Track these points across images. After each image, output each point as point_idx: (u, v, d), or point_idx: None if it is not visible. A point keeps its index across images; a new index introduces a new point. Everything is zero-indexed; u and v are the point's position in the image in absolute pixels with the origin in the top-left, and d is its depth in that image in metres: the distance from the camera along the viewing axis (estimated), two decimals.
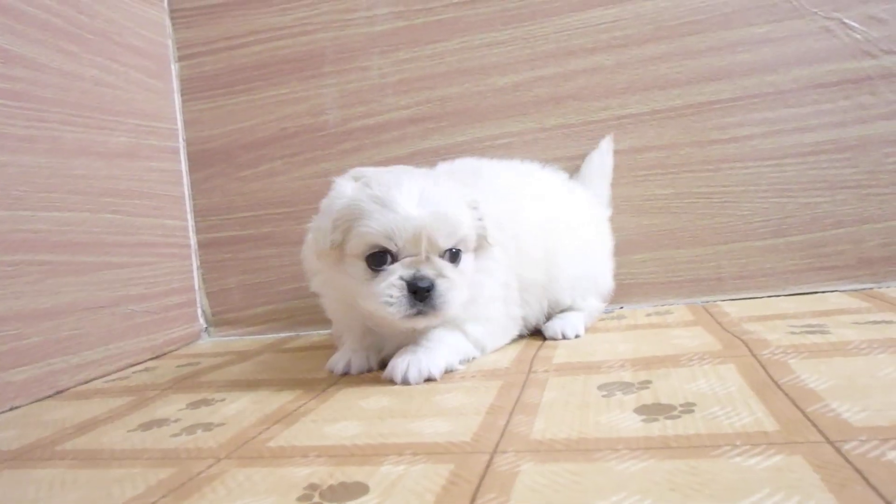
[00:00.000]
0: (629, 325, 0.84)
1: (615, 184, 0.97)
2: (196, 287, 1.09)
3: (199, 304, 1.10)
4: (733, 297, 0.95)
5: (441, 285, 0.64)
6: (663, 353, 0.66)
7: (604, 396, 0.55)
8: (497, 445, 0.47)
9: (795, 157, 0.93)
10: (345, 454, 0.48)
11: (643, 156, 0.97)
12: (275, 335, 1.08)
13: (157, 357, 0.96)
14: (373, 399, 0.62)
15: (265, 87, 1.09)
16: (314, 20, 1.07)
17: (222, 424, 0.59)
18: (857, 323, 0.70)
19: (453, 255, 0.67)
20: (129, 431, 0.60)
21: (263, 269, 1.09)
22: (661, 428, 0.47)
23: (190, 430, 0.58)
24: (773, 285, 0.94)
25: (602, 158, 0.94)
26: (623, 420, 0.49)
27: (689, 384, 0.56)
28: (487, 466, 0.43)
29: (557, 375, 0.63)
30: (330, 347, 0.86)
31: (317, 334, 1.06)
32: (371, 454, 0.48)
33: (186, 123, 1.11)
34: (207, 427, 0.58)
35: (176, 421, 0.61)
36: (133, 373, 0.87)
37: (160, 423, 0.61)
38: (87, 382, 0.83)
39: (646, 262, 0.97)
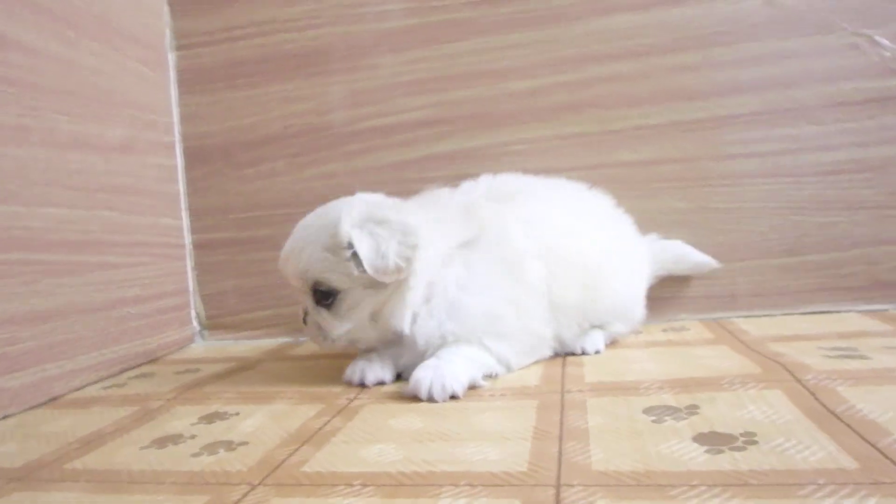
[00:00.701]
0: (648, 342, 0.83)
1: (631, 196, 0.95)
2: (190, 289, 1.05)
3: (192, 307, 1.05)
4: (747, 314, 0.94)
5: (312, 320, 0.71)
6: (699, 375, 0.65)
7: (653, 422, 0.53)
8: (559, 477, 0.44)
9: (815, 176, 0.92)
10: (393, 483, 0.45)
11: (661, 168, 0.95)
12: (271, 340, 1.04)
13: (151, 361, 0.92)
14: (403, 418, 0.59)
15: (268, 83, 1.05)
16: (322, 14, 1.03)
17: (245, 444, 0.55)
18: (888, 347, 0.70)
19: (323, 294, 0.69)
20: (142, 449, 0.56)
21: (262, 272, 1.05)
22: (731, 461, 0.45)
23: (210, 449, 0.54)
24: (786, 304, 0.94)
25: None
26: (685, 451, 0.47)
27: (739, 411, 0.54)
28: (557, 502, 0.41)
29: (595, 397, 0.61)
30: (333, 357, 0.83)
31: None
32: (422, 484, 0.45)
33: (183, 117, 1.07)
34: (229, 446, 0.55)
35: (192, 437, 0.58)
36: (128, 379, 0.83)
37: (175, 439, 0.58)
38: (81, 388, 0.79)
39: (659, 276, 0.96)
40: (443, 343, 0.69)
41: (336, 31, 1.03)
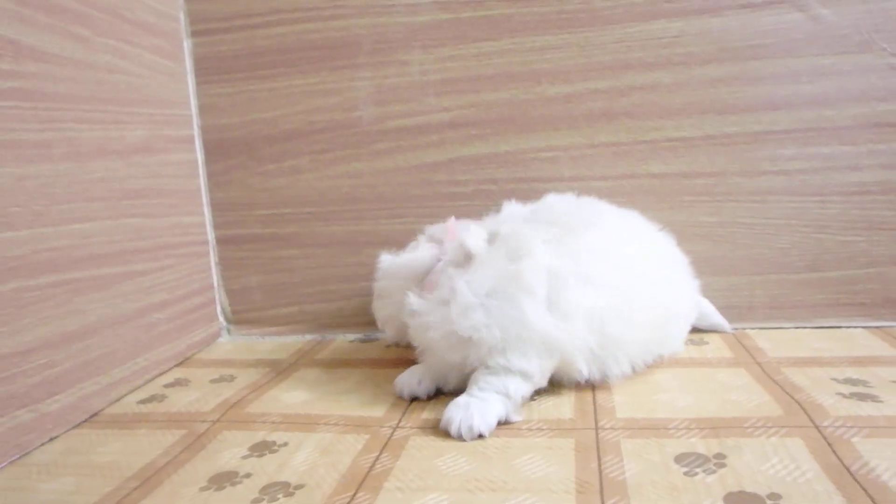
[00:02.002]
0: (673, 361, 0.88)
1: (660, 208, 0.99)
2: (215, 284, 1.08)
3: (218, 303, 1.09)
4: (762, 325, 1.00)
5: None
6: (724, 415, 0.70)
7: (686, 474, 0.59)
8: None
9: (841, 196, 0.96)
10: None
11: (692, 181, 0.99)
12: (298, 337, 1.09)
13: (181, 364, 0.96)
14: (449, 458, 0.64)
15: (291, 75, 1.05)
16: (349, 3, 1.03)
17: (301, 487, 0.60)
18: None
19: None
20: (201, 490, 0.61)
21: (287, 269, 1.08)
22: None
23: (269, 493, 0.59)
24: (801, 317, 0.99)
25: None
26: None
27: (763, 464, 0.60)
28: None
29: (629, 437, 0.67)
30: (362, 365, 0.90)
31: (342, 338, 1.07)
32: None
33: (202, 109, 1.07)
34: (286, 490, 0.60)
35: (247, 476, 0.63)
36: (164, 387, 0.87)
37: (230, 477, 0.63)
38: (118, 401, 0.83)
39: None
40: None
41: (363, 23, 1.03)
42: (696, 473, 0.59)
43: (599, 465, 0.62)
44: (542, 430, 0.70)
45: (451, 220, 0.83)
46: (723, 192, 0.98)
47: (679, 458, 0.62)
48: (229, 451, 0.68)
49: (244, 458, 0.66)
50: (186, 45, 1.06)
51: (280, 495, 0.59)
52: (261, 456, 0.67)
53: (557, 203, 0.86)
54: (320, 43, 1.04)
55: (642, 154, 0.99)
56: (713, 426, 0.68)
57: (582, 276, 0.75)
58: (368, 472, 0.62)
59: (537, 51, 0.99)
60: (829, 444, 0.62)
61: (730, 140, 0.97)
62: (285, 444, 0.69)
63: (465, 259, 0.76)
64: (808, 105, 0.95)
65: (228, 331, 1.11)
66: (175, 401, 0.83)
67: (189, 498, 0.59)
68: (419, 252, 0.82)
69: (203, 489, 0.61)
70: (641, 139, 0.99)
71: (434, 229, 0.85)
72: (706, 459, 0.61)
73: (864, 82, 0.93)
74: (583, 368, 0.76)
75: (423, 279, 0.79)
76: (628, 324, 0.77)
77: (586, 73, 0.99)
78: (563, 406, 0.76)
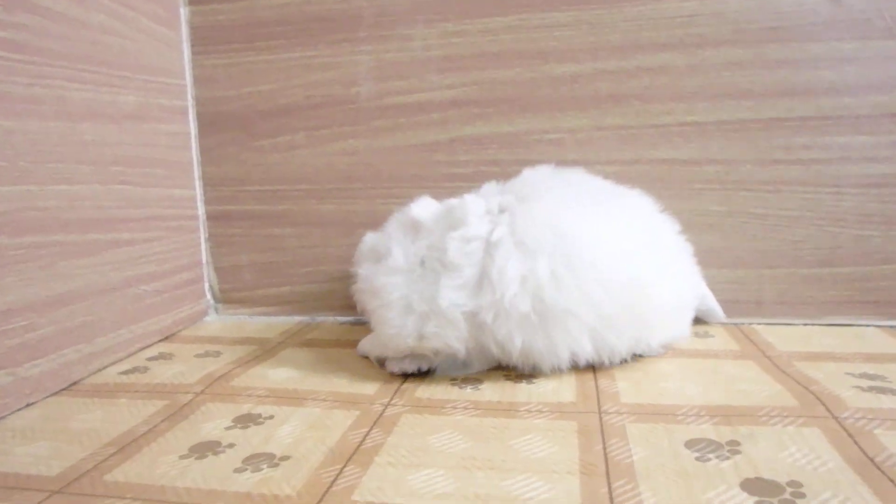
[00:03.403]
0: (675, 351, 0.85)
1: (668, 195, 0.96)
2: (204, 262, 1.05)
3: (206, 280, 1.06)
4: (770, 321, 0.97)
5: None
6: (735, 403, 0.67)
7: (698, 460, 0.56)
8: None
9: (857, 188, 0.94)
10: None
11: (702, 168, 0.96)
12: (287, 318, 1.06)
13: (166, 339, 0.94)
14: (444, 436, 0.61)
15: (289, 47, 1.03)
16: None
17: (286, 458, 0.57)
18: None
19: None
20: (181, 458, 0.58)
21: (279, 248, 1.06)
22: None
23: (253, 463, 0.56)
24: (811, 314, 0.97)
25: None
26: (735, 501, 0.50)
27: (781, 452, 0.57)
28: None
29: (635, 422, 0.64)
30: (353, 345, 0.87)
31: (333, 321, 1.04)
32: None
33: (196, 80, 1.05)
34: (271, 461, 0.57)
35: (231, 447, 0.60)
36: (148, 361, 0.85)
37: (213, 447, 0.60)
38: (99, 371, 0.80)
39: None
40: None
41: None
42: (709, 459, 0.56)
43: (604, 447, 0.59)
44: (543, 412, 0.67)
45: (424, 197, 0.82)
46: (734, 180, 0.96)
47: (690, 444, 0.59)
48: (212, 422, 0.65)
49: (228, 429, 0.63)
50: (183, 12, 1.03)
51: (264, 466, 0.56)
52: (245, 428, 0.64)
53: (530, 175, 0.84)
54: (320, 15, 1.02)
55: (651, 138, 0.96)
56: (724, 414, 0.65)
57: (517, 244, 0.73)
58: (358, 446, 0.59)
59: (545, 28, 0.97)
60: (851, 436, 0.59)
61: (743, 126, 0.94)
62: (271, 418, 0.66)
63: (413, 228, 0.76)
64: (826, 92, 0.92)
65: (216, 309, 1.08)
66: (158, 373, 0.80)
67: (168, 465, 0.56)
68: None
69: (183, 457, 0.58)
70: (651, 123, 0.96)
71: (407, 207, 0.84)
72: (719, 446, 0.58)
73: (886, 70, 0.91)
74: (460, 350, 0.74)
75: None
76: (575, 293, 0.72)
77: (595, 52, 0.96)
78: (563, 390, 0.73)
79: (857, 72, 0.91)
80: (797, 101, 0.93)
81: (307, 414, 0.67)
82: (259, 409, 0.68)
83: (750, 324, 0.97)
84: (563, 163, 0.96)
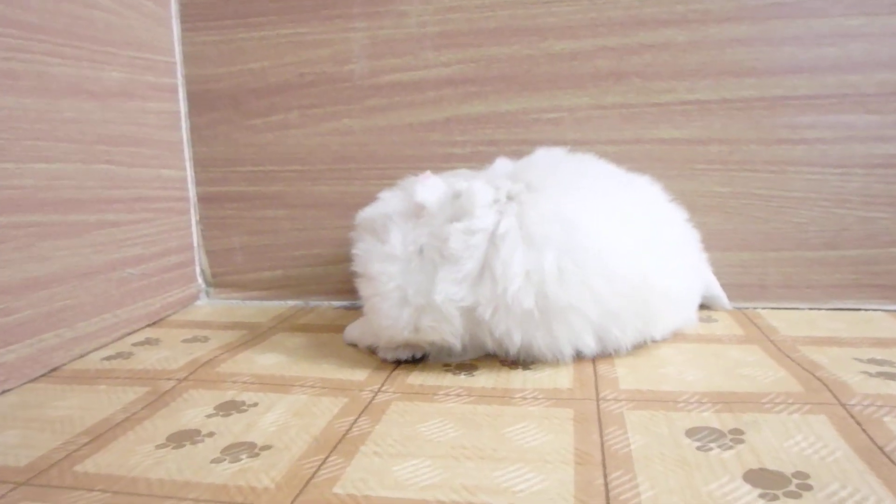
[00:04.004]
0: (677, 336, 0.81)
1: (670, 175, 0.92)
2: (195, 244, 1.02)
3: (197, 263, 1.02)
4: (774, 305, 0.93)
5: None
6: (739, 390, 0.64)
7: (699, 449, 0.53)
8: None
9: (863, 168, 0.90)
10: None
11: (705, 148, 0.92)
12: (280, 302, 1.03)
13: (154, 324, 0.90)
14: (434, 424, 0.58)
15: (281, 24, 0.98)
16: None
17: (267, 448, 0.54)
18: None
19: None
20: (157, 447, 0.54)
21: (272, 231, 1.02)
22: None
23: (231, 453, 0.53)
24: (816, 298, 0.93)
25: None
26: (738, 494, 0.46)
27: (786, 441, 0.53)
28: None
29: (633, 409, 0.60)
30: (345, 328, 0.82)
31: (327, 305, 1.00)
32: None
33: (186, 57, 1.00)
34: (251, 450, 0.53)
35: (210, 435, 0.56)
36: (133, 346, 0.81)
37: (192, 436, 0.56)
38: (82, 357, 0.77)
39: None
40: None
41: None
42: (711, 448, 0.52)
43: (601, 436, 0.55)
44: (538, 399, 0.63)
45: (427, 174, 0.76)
46: (737, 160, 0.92)
47: (691, 433, 0.55)
48: (193, 409, 0.62)
49: (209, 416, 0.60)
50: None
51: (244, 456, 0.52)
52: (227, 415, 0.60)
53: (542, 158, 0.78)
54: None
55: (653, 117, 0.92)
56: (726, 401, 0.61)
57: (524, 237, 0.68)
58: (344, 435, 0.56)
59: (543, 4, 0.92)
60: (859, 423, 0.56)
61: (747, 105, 0.90)
62: (255, 405, 0.62)
63: (416, 211, 0.71)
64: (831, 70, 0.88)
65: (207, 293, 1.05)
66: (142, 358, 0.76)
67: (142, 455, 0.53)
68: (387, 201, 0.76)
69: (159, 447, 0.54)
70: (652, 101, 0.92)
71: (409, 181, 0.78)
72: (721, 434, 0.55)
73: (893, 46, 0.87)
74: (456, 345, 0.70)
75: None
76: (580, 288, 0.68)
77: (595, 28, 0.92)
78: (560, 376, 0.69)
79: (863, 48, 0.87)
80: (802, 79, 0.89)
81: (293, 401, 0.63)
82: (243, 396, 0.64)
83: (754, 308, 0.93)
84: (562, 142, 0.92)
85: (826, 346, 0.76)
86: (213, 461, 0.52)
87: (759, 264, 0.93)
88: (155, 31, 0.94)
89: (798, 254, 0.92)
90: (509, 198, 0.71)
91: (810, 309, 0.92)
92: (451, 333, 0.69)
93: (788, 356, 0.73)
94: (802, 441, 0.53)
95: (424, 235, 0.69)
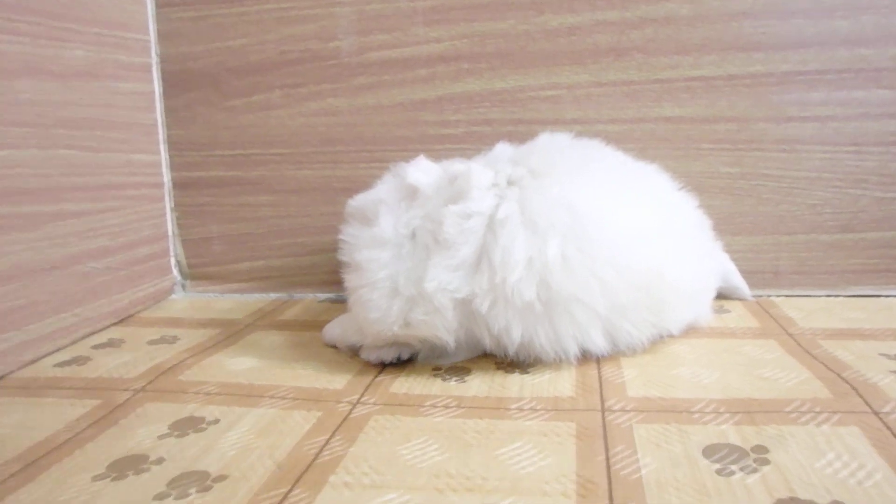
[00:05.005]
0: (690, 329, 0.71)
1: (674, 156, 0.82)
2: (170, 233, 0.91)
3: (172, 254, 0.92)
4: (788, 293, 0.84)
5: None
6: (760, 395, 0.54)
7: (719, 473, 0.43)
8: None
9: (879, 146, 0.80)
10: None
11: (711, 127, 0.82)
12: (262, 295, 0.92)
13: (121, 321, 0.80)
14: (417, 445, 0.48)
15: None
16: None
17: (222, 479, 0.44)
18: None
19: None
20: (94, 479, 0.44)
21: (253, 218, 0.92)
22: None
23: (179, 486, 0.43)
24: (832, 284, 0.83)
25: None
26: None
27: (817, 461, 0.44)
28: None
29: (643, 422, 0.50)
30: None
31: (312, 297, 0.90)
32: None
33: (161, 35, 0.90)
34: (202, 482, 0.43)
35: (158, 462, 0.46)
36: (93, 348, 0.71)
37: (137, 463, 0.46)
38: (34, 363, 0.66)
39: None
40: None
41: None
42: (733, 472, 0.43)
43: (607, 457, 0.45)
44: (536, 410, 0.53)
45: (420, 158, 0.66)
46: (746, 139, 0.82)
47: (709, 451, 0.45)
48: (146, 427, 0.52)
49: (161, 437, 0.50)
50: None
51: (192, 490, 0.42)
52: (182, 436, 0.50)
53: (546, 143, 0.68)
54: None
55: (655, 95, 0.82)
56: (747, 409, 0.51)
57: (526, 222, 0.58)
58: (313, 460, 0.46)
59: None
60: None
61: (754, 81, 0.80)
62: (216, 422, 0.52)
63: (409, 194, 0.62)
64: (843, 43, 0.78)
65: (183, 286, 0.95)
66: (99, 364, 0.66)
67: (77, 488, 0.43)
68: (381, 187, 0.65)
69: (97, 478, 0.44)
70: (655, 78, 0.82)
71: (402, 166, 0.68)
72: (744, 454, 0.45)
73: None
74: (449, 340, 0.60)
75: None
76: (587, 278, 0.58)
77: (594, 2, 0.81)
78: (561, 380, 0.59)
79: (876, 21, 0.77)
80: (812, 53, 0.79)
81: (260, 416, 0.53)
82: (205, 411, 0.54)
83: (767, 296, 0.83)
84: (560, 121, 0.84)
85: (848, 339, 0.67)
86: (155, 497, 0.41)
87: (771, 249, 0.84)
88: (126, 7, 0.83)
89: (812, 237, 0.83)
90: (510, 182, 0.61)
91: (827, 296, 0.83)
92: (444, 328, 0.59)
93: (809, 353, 0.63)
94: (835, 460, 0.44)
95: (418, 218, 0.60)
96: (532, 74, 0.84)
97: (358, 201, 0.65)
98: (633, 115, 0.83)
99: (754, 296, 0.82)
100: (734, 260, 0.82)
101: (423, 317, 0.58)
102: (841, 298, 0.82)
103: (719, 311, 0.78)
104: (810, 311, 0.77)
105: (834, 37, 0.78)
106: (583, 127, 0.82)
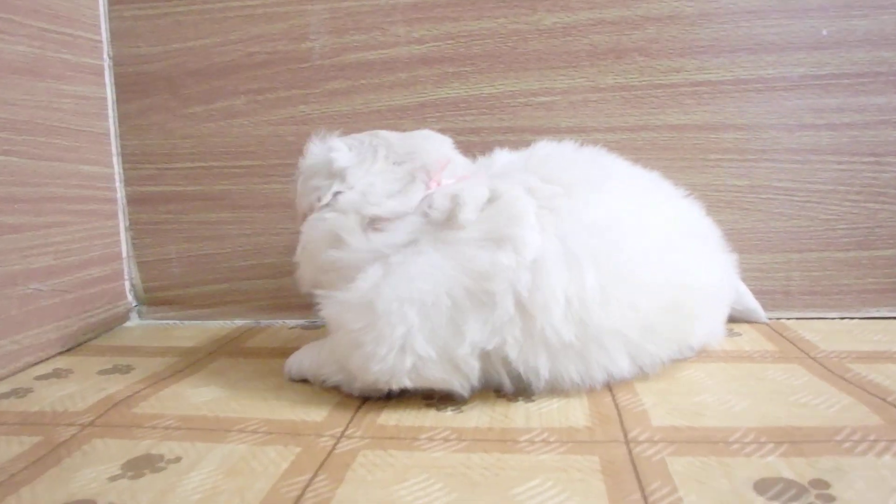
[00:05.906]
0: (702, 354, 0.67)
1: (679, 167, 0.80)
2: (124, 254, 0.87)
3: (127, 277, 0.87)
4: (799, 315, 0.81)
5: None
6: (802, 423, 0.50)
7: None
8: None
9: None
10: None
11: (719, 136, 0.80)
12: (226, 322, 0.88)
13: (68, 350, 0.74)
14: (416, 484, 0.42)
15: None
16: None
17: None
18: None
19: None
20: None
21: (215, 237, 0.88)
22: None
23: None
24: (847, 305, 0.81)
25: None
26: None
27: (889, 497, 0.39)
28: None
29: (675, 455, 0.45)
30: None
31: (281, 324, 0.85)
32: None
33: (114, 34, 0.87)
34: None
35: None
36: (35, 379, 0.65)
37: None
38: None
39: None
40: None
41: None
42: None
43: (644, 495, 0.40)
44: (550, 442, 0.48)
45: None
46: (756, 149, 0.80)
47: (760, 487, 0.41)
48: (93, 468, 0.46)
49: (112, 479, 0.44)
50: None
51: None
52: (137, 477, 0.44)
53: (554, 155, 0.64)
54: None
55: (658, 101, 0.80)
56: (791, 439, 0.47)
57: (564, 254, 0.54)
58: None
59: None
60: None
61: (765, 86, 0.79)
62: (176, 461, 0.46)
63: (446, 220, 0.54)
64: (860, 44, 0.77)
65: (139, 312, 0.90)
66: (41, 396, 0.60)
67: None
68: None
69: None
70: (658, 82, 0.80)
71: (402, 144, 0.62)
72: (802, 489, 0.41)
73: None
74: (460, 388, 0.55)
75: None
76: (625, 309, 0.55)
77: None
78: (572, 409, 0.55)
79: (895, 21, 0.76)
80: (827, 56, 0.78)
81: (228, 453, 0.47)
82: (162, 448, 0.48)
83: (778, 318, 0.81)
84: (554, 130, 0.83)
85: (879, 362, 0.64)
86: None
87: (781, 268, 0.82)
88: (75, 1, 0.78)
89: (826, 255, 0.81)
90: (541, 206, 0.55)
91: (842, 318, 0.81)
92: (460, 386, 0.54)
93: (842, 377, 0.60)
94: None
95: (452, 268, 0.52)
96: (523, 78, 0.82)
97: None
98: (633, 122, 0.81)
99: (765, 319, 0.79)
100: (743, 279, 0.79)
101: (442, 376, 0.53)
102: (857, 320, 0.80)
103: (730, 334, 0.75)
104: (828, 333, 0.74)
105: (851, 37, 0.77)
106: (578, 136, 0.79)
